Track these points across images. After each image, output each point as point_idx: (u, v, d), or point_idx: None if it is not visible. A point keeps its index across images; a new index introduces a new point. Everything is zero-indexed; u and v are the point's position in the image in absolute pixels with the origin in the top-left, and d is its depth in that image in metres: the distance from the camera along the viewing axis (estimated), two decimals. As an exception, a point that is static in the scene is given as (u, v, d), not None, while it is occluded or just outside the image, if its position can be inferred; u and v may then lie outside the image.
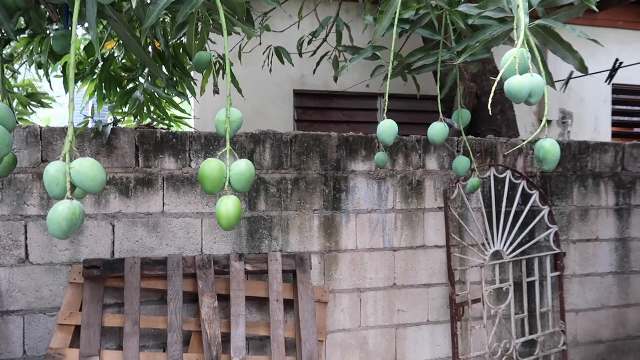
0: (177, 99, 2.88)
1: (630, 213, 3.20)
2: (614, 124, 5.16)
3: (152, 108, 2.67)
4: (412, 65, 1.64)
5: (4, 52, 2.68)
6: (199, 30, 1.62)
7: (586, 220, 3.12)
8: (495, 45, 1.36)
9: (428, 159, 2.82)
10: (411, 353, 2.80)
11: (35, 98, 3.47)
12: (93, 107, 2.46)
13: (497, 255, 2.88)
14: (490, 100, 1.11)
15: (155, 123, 2.74)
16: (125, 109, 2.56)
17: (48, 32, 1.93)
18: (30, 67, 3.13)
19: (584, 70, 1.31)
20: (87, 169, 0.89)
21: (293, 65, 3.01)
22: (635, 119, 5.33)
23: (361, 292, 2.72)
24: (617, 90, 5.08)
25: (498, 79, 1.01)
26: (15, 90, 3.47)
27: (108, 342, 2.38)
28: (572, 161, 3.09)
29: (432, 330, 2.83)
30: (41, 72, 2.96)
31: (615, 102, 5.13)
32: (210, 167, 1.03)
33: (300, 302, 2.41)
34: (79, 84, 2.85)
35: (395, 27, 1.42)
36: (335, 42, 3.07)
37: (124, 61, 2.82)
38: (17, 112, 3.47)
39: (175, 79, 2.50)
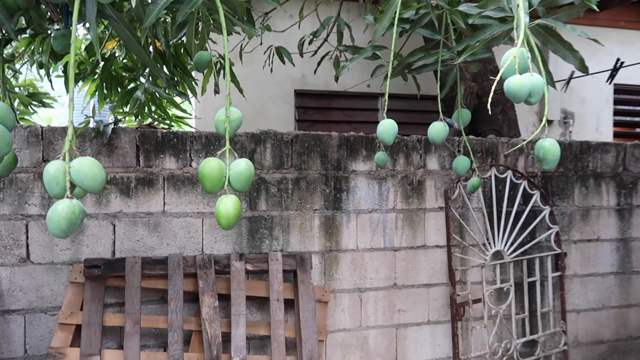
0: (177, 99, 2.88)
1: (631, 213, 3.20)
2: (616, 123, 5.15)
3: (153, 108, 2.68)
4: (412, 64, 1.63)
5: (5, 51, 2.68)
6: (199, 29, 1.62)
7: (587, 220, 3.12)
8: (495, 44, 1.36)
9: (429, 159, 2.82)
10: (411, 353, 2.79)
11: (36, 98, 3.48)
12: (94, 106, 2.46)
13: (497, 255, 2.88)
14: (490, 100, 1.11)
15: (156, 123, 2.74)
16: (126, 109, 2.56)
17: (49, 31, 1.93)
18: (31, 66, 3.14)
19: (584, 69, 1.30)
20: (87, 167, 0.89)
21: (294, 65, 3.01)
22: (637, 118, 5.32)
23: (361, 291, 2.72)
24: (619, 90, 5.07)
25: (497, 78, 1.01)
26: (17, 89, 3.48)
27: (109, 341, 2.39)
28: (573, 161, 3.08)
29: (432, 330, 2.83)
30: (42, 71, 2.97)
31: (616, 102, 5.12)
32: (209, 166, 1.03)
33: (301, 301, 2.41)
34: (80, 83, 2.86)
35: (395, 26, 1.42)
36: (336, 42, 3.07)
37: (124, 61, 2.82)
38: (18, 112, 3.48)
39: (176, 79, 2.50)
